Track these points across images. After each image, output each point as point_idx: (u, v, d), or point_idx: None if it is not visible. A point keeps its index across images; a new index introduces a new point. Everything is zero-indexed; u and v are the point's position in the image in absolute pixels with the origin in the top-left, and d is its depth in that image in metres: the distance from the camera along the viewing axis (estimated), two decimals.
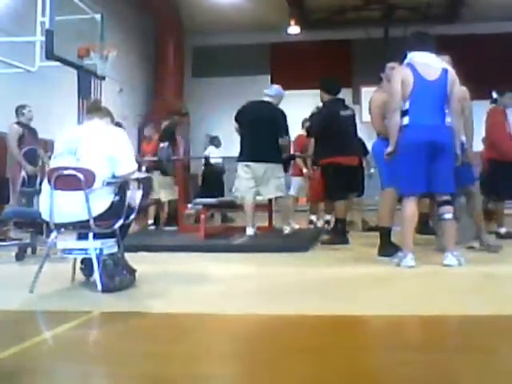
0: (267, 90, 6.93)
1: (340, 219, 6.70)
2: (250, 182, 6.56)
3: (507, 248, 5.52)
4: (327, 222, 8.17)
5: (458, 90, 4.83)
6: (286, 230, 6.66)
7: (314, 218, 8.55)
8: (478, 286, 3.97)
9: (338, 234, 6.60)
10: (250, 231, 6.50)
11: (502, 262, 4.93)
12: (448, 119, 4.68)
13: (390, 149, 4.73)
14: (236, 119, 6.80)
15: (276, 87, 7.02)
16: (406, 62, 4.80)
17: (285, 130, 6.72)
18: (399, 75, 4.73)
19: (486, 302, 3.34)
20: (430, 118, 4.64)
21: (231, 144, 8.46)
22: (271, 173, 6.55)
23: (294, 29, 16.07)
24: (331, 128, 6.48)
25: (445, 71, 4.71)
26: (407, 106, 4.66)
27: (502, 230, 6.58)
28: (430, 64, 4.74)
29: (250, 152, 6.58)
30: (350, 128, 6.75)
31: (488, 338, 2.66)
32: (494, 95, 6.79)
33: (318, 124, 6.95)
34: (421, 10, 15.06)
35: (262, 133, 6.49)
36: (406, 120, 4.66)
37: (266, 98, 6.83)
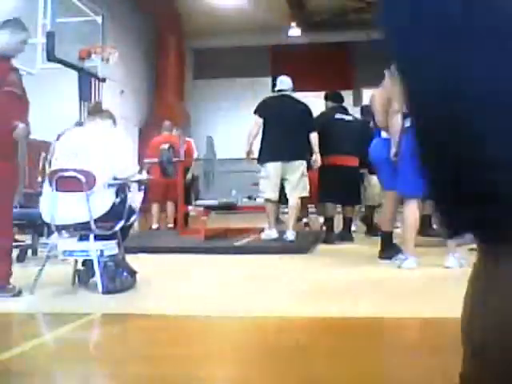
0: (281, 85, 6.53)
1: (327, 218, 6.90)
2: (277, 183, 6.17)
3: None
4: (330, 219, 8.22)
5: None
6: (292, 235, 6.11)
7: (306, 220, 8.46)
8: None
9: (329, 233, 6.82)
10: (271, 233, 6.22)
11: None
12: None
13: (393, 150, 4.74)
14: (259, 114, 6.27)
15: (286, 79, 6.60)
16: None
17: (312, 124, 6.37)
18: None
19: None
20: None
21: (231, 145, 8.46)
22: (299, 171, 6.17)
23: (294, 31, 16.09)
24: (327, 131, 6.55)
25: None
26: None
27: None
28: None
29: (278, 151, 6.11)
30: (345, 130, 6.80)
31: None
32: None
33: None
34: None
35: (288, 129, 6.10)
36: (408, 122, 4.66)
37: (285, 93, 6.45)
